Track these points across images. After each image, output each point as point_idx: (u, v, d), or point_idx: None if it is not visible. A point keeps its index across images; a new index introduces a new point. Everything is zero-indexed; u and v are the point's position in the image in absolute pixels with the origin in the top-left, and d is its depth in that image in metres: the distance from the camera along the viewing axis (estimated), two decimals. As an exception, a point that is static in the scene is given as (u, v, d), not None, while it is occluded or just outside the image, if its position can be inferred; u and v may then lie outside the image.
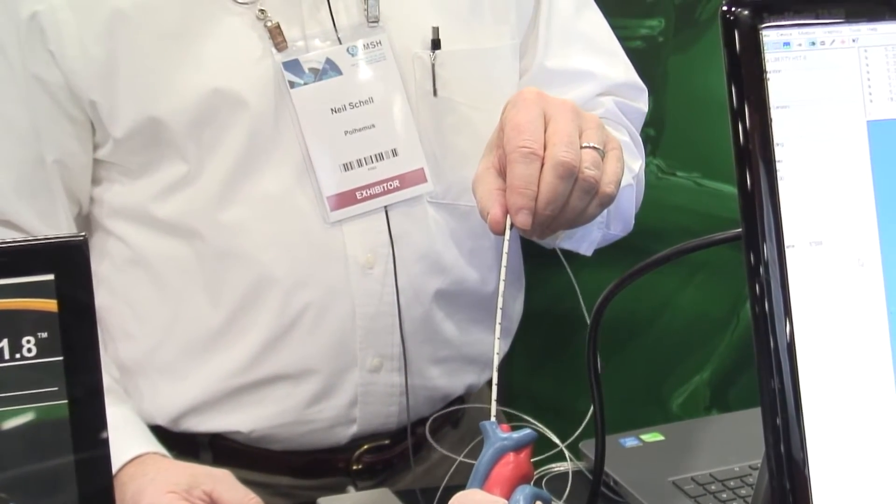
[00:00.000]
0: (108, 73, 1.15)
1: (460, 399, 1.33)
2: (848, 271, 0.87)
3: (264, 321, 1.20)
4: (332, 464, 1.28)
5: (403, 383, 1.24)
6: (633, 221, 1.30)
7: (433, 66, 1.21)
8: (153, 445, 1.13)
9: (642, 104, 1.36)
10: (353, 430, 1.26)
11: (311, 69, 1.18)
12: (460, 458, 1.01)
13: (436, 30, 1.21)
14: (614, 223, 1.10)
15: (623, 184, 1.08)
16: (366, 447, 1.28)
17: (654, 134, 1.65)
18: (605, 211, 1.06)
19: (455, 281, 1.26)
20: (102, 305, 1.23)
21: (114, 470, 1.06)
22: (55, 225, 1.19)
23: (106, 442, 0.77)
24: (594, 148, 1.03)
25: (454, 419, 1.33)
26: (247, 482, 1.26)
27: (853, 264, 0.87)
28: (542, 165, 1.00)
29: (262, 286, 1.19)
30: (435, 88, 1.21)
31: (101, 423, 0.77)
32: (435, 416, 1.27)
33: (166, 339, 1.22)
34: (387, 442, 1.29)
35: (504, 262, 1.01)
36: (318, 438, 1.25)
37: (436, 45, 1.21)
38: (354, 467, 1.28)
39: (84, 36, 1.14)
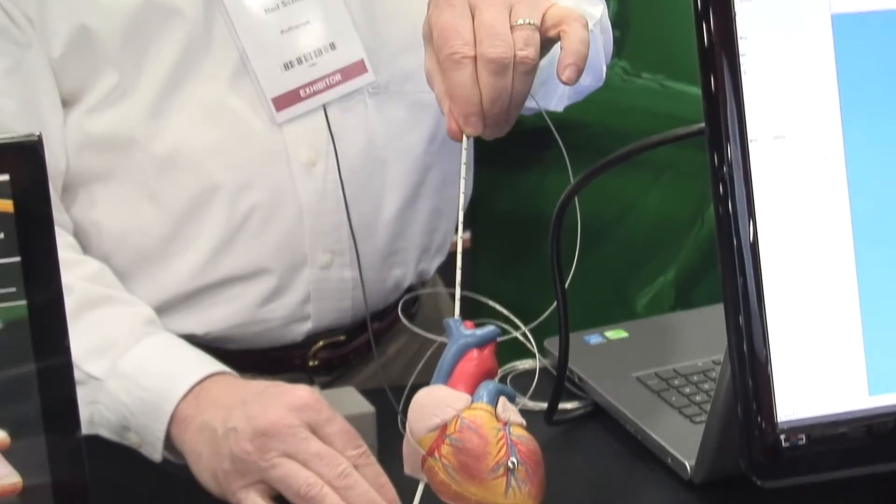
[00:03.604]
0: None
1: (412, 288, 1.34)
2: (811, 166, 0.87)
3: (212, 226, 1.20)
4: (289, 361, 1.28)
5: (355, 278, 1.24)
6: (605, 72, 1.29)
7: None
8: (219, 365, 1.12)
9: None
10: (307, 326, 1.26)
11: None
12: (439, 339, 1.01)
13: None
14: (583, 75, 1.08)
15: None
16: (322, 344, 1.29)
17: (619, 35, 1.64)
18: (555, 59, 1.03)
19: (400, 172, 1.26)
20: None
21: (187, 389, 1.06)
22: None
23: (68, 349, 0.77)
24: (526, 24, 1.00)
25: (409, 313, 1.34)
26: None
27: (816, 159, 0.87)
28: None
29: (206, 192, 1.19)
30: None
31: (62, 327, 0.77)
32: (392, 310, 1.28)
33: (116, 250, 1.22)
34: (342, 338, 1.29)
35: (463, 174, 1.00)
36: (274, 337, 1.26)
37: None
38: (311, 363, 1.29)
39: None
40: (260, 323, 1.24)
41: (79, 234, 1.22)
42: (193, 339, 1.17)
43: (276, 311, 1.24)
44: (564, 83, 1.00)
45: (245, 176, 1.19)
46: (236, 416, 1.00)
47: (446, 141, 1.05)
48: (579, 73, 1.00)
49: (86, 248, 1.22)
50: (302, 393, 1.01)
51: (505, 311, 0.96)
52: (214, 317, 1.24)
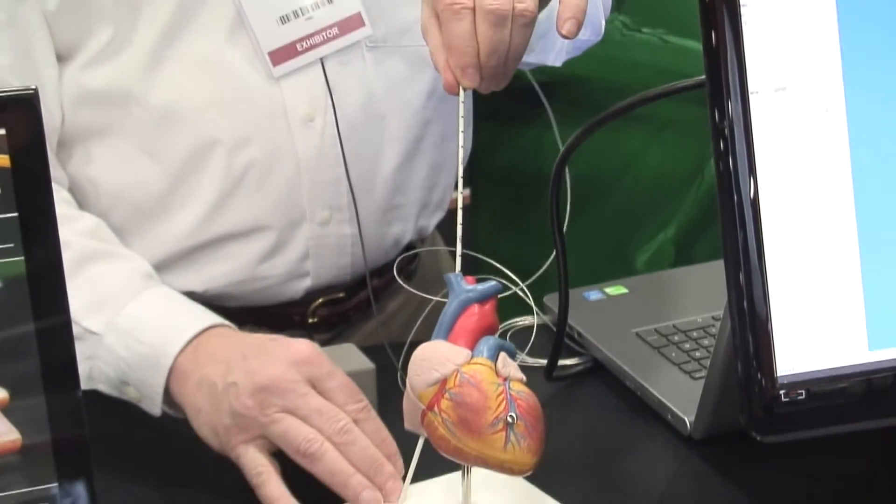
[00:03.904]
0: None
1: (411, 245, 1.34)
2: (812, 118, 0.87)
3: (210, 182, 1.20)
4: (288, 318, 1.28)
5: (354, 234, 1.24)
6: (604, 26, 1.28)
7: None
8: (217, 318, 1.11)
9: None
10: (306, 283, 1.26)
11: None
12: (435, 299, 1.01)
13: None
14: (582, 29, 1.07)
15: None
16: (321, 301, 1.28)
17: (620, -10, 1.63)
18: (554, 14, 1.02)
19: (399, 128, 1.25)
20: None
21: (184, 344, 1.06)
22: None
23: (67, 307, 0.76)
24: None
25: (408, 270, 1.34)
26: None
27: (817, 110, 0.87)
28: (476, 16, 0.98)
29: (203, 147, 1.19)
30: None
31: (61, 285, 0.76)
32: (391, 267, 1.27)
33: (114, 207, 1.21)
34: (342, 295, 1.29)
35: (461, 127, 0.99)
36: (273, 294, 1.26)
37: None
38: (310, 321, 1.29)
39: None
40: (259, 280, 1.24)
41: (75, 191, 1.21)
42: (192, 297, 1.17)
43: (275, 268, 1.24)
44: (564, 37, 1.00)
45: (243, 131, 1.19)
46: (236, 370, 1.00)
47: (445, 95, 1.04)
48: (579, 26, 1.00)
49: (83, 204, 1.21)
50: (303, 347, 1.01)
51: (504, 269, 0.95)
52: (213, 274, 1.23)
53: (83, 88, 1.17)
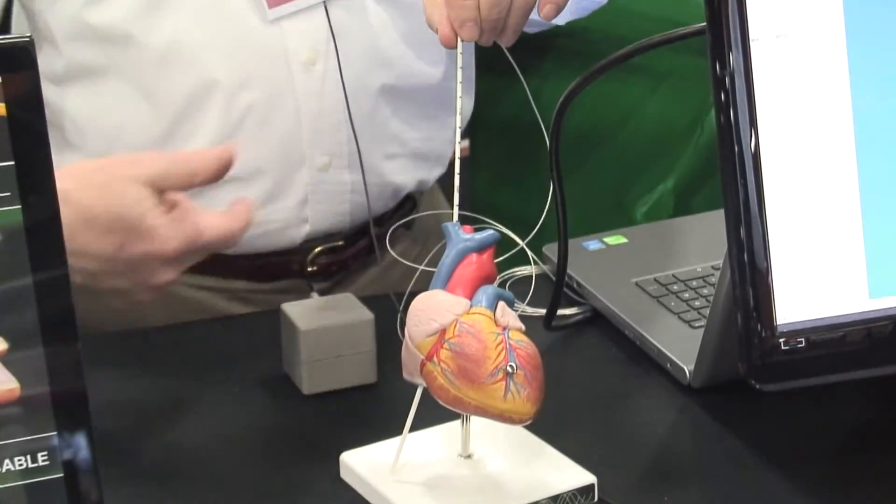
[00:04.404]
0: None
1: (411, 196, 1.34)
2: (813, 65, 0.86)
3: (208, 125, 1.19)
4: (287, 266, 1.28)
5: (353, 181, 1.24)
6: None
7: None
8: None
9: None
10: (305, 230, 1.26)
11: None
12: (421, 267, 1.01)
13: None
14: None
15: None
16: (320, 249, 1.28)
17: (620, -60, 1.62)
18: None
19: (402, 75, 1.25)
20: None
21: None
22: None
23: (65, 259, 0.76)
24: None
25: (408, 221, 1.34)
26: (203, 288, 1.27)
27: (819, 57, 0.86)
28: None
29: (203, 90, 1.18)
30: None
31: (58, 235, 0.76)
32: (390, 216, 1.29)
33: (111, 149, 1.21)
34: (341, 243, 1.29)
35: (460, 78, 0.99)
36: (272, 240, 1.26)
37: None
38: (310, 269, 1.29)
39: None
40: (257, 226, 1.24)
41: (73, 131, 1.21)
42: None
43: (274, 214, 1.24)
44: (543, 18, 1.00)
45: (242, 74, 1.18)
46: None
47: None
48: (558, 10, 1.00)
49: (80, 145, 1.21)
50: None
51: (504, 229, 0.95)
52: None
53: (84, 24, 1.17)
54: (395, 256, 1.09)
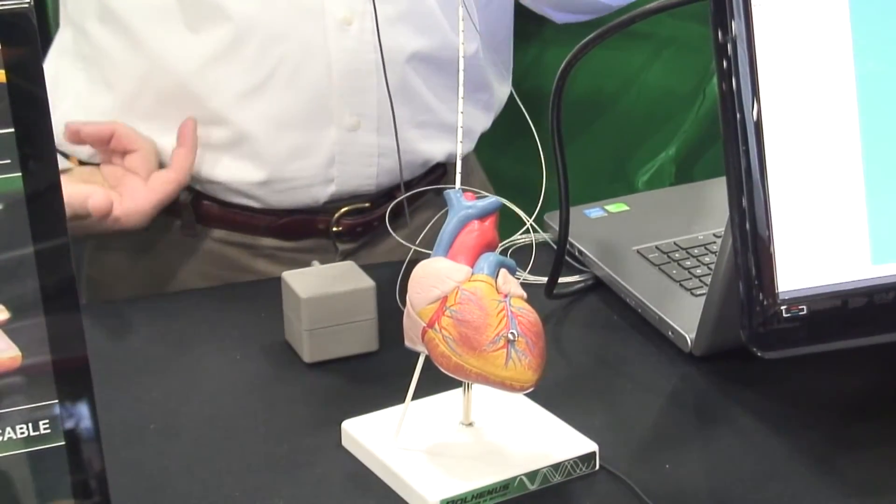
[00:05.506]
0: None
1: (441, 166, 1.34)
2: (815, 27, 0.86)
3: (239, 72, 1.20)
4: (313, 225, 1.29)
5: (381, 145, 1.24)
6: None
7: None
8: None
9: None
10: (331, 189, 1.26)
11: None
12: (414, 247, 1.01)
13: None
14: None
15: None
16: (346, 209, 1.29)
17: None
18: None
19: (435, 46, 1.25)
20: (82, 55, 1.25)
21: None
22: None
23: (65, 226, 0.76)
24: None
25: (438, 188, 1.34)
26: (230, 243, 1.29)
27: (821, 18, 0.86)
28: None
29: (237, 36, 1.19)
30: None
31: (59, 202, 0.76)
32: (418, 183, 1.30)
33: (143, 89, 1.22)
34: (367, 205, 1.29)
35: (461, 28, 0.98)
36: (297, 197, 1.26)
37: None
38: (335, 229, 1.29)
39: None
40: (284, 181, 1.24)
41: (110, 69, 1.23)
42: (217, 187, 1.21)
43: (302, 171, 1.24)
44: None
45: (278, 24, 1.19)
46: None
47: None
48: None
49: (114, 84, 1.23)
50: None
51: (509, 203, 0.94)
52: (238, 168, 1.24)
53: None
54: (398, 238, 1.08)
